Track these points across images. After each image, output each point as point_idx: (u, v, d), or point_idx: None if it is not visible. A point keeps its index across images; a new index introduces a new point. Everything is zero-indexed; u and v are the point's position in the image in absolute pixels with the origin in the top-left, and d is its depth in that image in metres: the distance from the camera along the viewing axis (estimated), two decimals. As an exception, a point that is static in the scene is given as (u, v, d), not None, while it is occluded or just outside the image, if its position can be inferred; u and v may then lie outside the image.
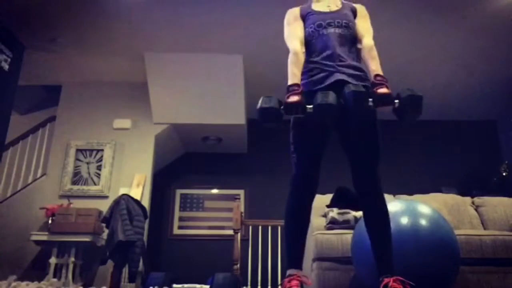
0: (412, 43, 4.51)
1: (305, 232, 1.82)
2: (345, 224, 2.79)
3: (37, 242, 4.35)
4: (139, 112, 5.22)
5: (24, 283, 1.27)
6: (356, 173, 1.81)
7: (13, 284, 1.24)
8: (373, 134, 1.83)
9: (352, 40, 1.95)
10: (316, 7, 2.04)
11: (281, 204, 1.95)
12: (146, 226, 4.33)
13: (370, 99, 1.70)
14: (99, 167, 5.02)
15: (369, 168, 1.80)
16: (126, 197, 3.94)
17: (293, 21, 2.01)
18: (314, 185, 1.82)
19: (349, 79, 1.80)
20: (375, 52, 1.87)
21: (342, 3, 2.07)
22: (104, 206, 4.19)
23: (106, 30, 4.37)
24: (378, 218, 1.78)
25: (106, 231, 3.98)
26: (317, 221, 2.96)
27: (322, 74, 1.86)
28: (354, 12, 2.03)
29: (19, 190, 4.88)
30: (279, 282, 4.34)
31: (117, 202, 3.90)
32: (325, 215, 2.98)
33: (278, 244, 4.27)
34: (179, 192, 6.11)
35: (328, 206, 3.01)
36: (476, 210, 3.37)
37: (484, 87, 5.33)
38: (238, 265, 4.02)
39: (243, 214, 4.49)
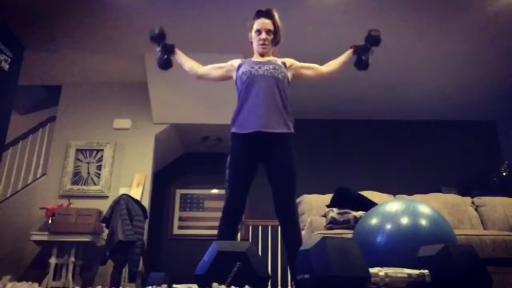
0: (411, 44, 4.51)
1: None
2: (345, 224, 2.78)
3: (37, 242, 4.35)
4: (139, 112, 5.23)
5: (20, 284, 1.26)
6: (278, 203, 2.20)
7: (9, 285, 1.23)
8: (292, 174, 2.19)
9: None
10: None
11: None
12: (146, 226, 4.33)
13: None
14: (99, 167, 5.02)
15: (288, 201, 2.19)
16: (126, 197, 3.95)
17: (223, 64, 2.54)
18: (240, 215, 2.24)
19: None
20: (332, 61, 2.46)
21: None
22: (104, 206, 4.20)
23: (106, 30, 4.38)
24: (293, 237, 2.16)
25: (106, 231, 3.99)
26: (317, 221, 2.95)
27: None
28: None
29: (19, 190, 4.87)
30: (279, 282, 4.34)
31: (117, 202, 3.91)
32: (325, 215, 2.97)
33: (278, 244, 4.27)
34: (179, 192, 6.12)
35: (328, 206, 3.01)
36: (476, 210, 3.36)
37: (484, 87, 5.33)
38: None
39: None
